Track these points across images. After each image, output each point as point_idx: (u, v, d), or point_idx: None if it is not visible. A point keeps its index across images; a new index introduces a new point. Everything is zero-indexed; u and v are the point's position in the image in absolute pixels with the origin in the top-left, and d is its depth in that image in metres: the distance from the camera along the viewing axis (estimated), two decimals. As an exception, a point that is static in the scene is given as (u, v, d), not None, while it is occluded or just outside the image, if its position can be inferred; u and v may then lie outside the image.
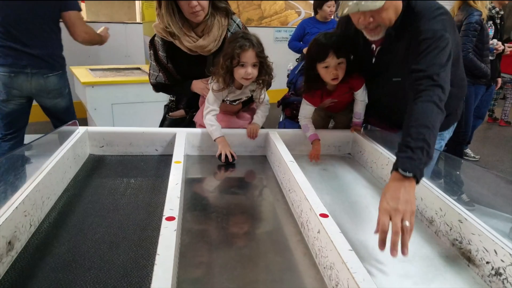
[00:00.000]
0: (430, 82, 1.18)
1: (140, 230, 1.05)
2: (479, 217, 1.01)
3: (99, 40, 2.62)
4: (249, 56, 1.47)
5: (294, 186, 1.18)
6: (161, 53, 1.70)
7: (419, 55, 1.25)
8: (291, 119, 3.12)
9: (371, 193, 1.35)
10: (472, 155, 4.00)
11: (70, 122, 1.48)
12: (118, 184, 1.32)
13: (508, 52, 3.41)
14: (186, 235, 1.03)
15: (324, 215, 0.96)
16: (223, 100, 1.65)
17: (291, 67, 3.47)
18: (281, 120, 3.23)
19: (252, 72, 1.50)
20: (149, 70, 1.78)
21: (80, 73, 3.25)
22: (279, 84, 4.01)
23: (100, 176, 1.38)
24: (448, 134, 1.70)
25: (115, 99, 2.98)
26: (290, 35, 5.94)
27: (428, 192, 1.14)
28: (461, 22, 2.93)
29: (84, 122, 3.95)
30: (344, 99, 1.66)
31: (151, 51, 1.74)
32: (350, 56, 1.53)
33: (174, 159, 1.28)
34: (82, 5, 7.32)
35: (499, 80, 3.65)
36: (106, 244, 0.99)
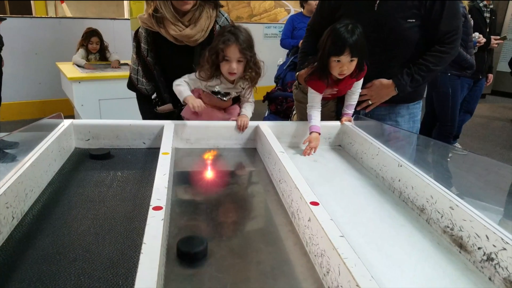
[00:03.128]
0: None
1: (127, 221, 1.03)
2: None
3: None
4: (232, 51, 1.46)
5: (285, 176, 1.16)
6: (143, 45, 1.68)
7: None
8: (275, 114, 3.11)
9: (362, 184, 1.34)
10: (460, 149, 4.03)
11: (54, 114, 1.44)
12: (104, 177, 1.29)
13: (496, 46, 3.43)
14: (174, 227, 1.01)
15: (314, 203, 0.95)
16: (215, 94, 1.62)
17: (281, 62, 3.45)
18: (266, 115, 3.22)
19: (237, 68, 1.49)
20: (131, 63, 1.76)
21: (67, 69, 3.20)
22: (268, 81, 4.00)
23: (86, 169, 1.35)
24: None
25: (102, 95, 2.95)
26: (279, 31, 5.94)
27: (419, 181, 1.13)
28: None
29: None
30: (346, 89, 1.67)
31: (134, 43, 1.72)
32: (366, 56, 1.54)
33: (161, 150, 1.25)
34: (63, 4, 7.22)
35: (490, 76, 3.66)
36: (91, 235, 0.96)
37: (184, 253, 0.87)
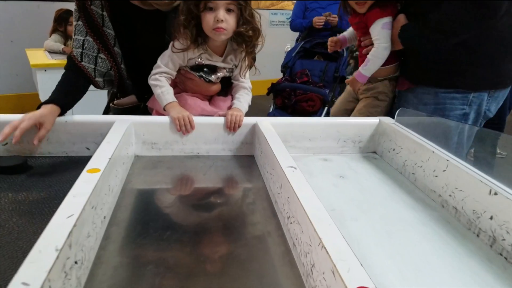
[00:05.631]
0: None
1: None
2: None
3: None
4: None
5: (298, 214, 0.66)
6: (95, 9, 1.17)
7: None
8: (282, 110, 2.61)
9: (421, 218, 0.83)
10: (498, 151, 3.48)
11: None
12: (3, 206, 0.79)
13: None
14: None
15: (364, 290, 0.45)
16: (197, 71, 1.14)
17: (289, 48, 2.94)
18: (270, 110, 2.71)
19: (226, 18, 1.00)
20: (73, 35, 1.24)
21: (34, 55, 2.70)
22: (274, 73, 3.48)
23: (-17, 191, 0.85)
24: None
25: (73, 86, 2.44)
26: (287, 18, 5.41)
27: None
28: None
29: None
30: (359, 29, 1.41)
31: (76, 8, 1.18)
32: None
33: (88, 165, 0.75)
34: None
35: None
36: None
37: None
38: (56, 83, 1.17)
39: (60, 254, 0.48)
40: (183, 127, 1.07)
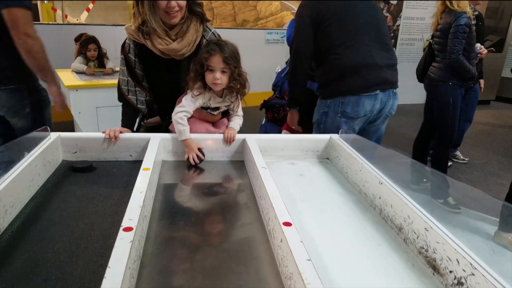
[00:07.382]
0: None
1: (103, 239, 1.03)
2: (463, 221, 1.00)
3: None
4: (216, 61, 1.48)
5: (263, 193, 1.17)
6: (131, 56, 1.69)
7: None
8: (273, 122, 3.11)
9: (344, 200, 1.34)
10: (461, 157, 3.99)
11: (41, 128, 1.46)
12: (87, 192, 1.30)
13: (483, 56, 3.40)
14: (149, 245, 1.02)
15: (287, 224, 0.95)
16: (205, 109, 1.63)
17: (279, 70, 3.45)
18: (263, 123, 3.22)
19: (221, 78, 1.50)
20: (119, 76, 1.77)
21: (65, 76, 3.22)
22: (268, 86, 4.00)
23: (70, 183, 1.36)
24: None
25: (99, 102, 2.96)
26: (281, 37, 5.93)
27: (397, 199, 1.13)
28: (450, 24, 2.93)
29: (71, 125, 3.93)
30: None
31: (122, 56, 1.72)
32: None
33: (143, 165, 1.26)
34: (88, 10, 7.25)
35: (482, 81, 3.65)
36: (66, 253, 0.97)
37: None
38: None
39: (141, 210, 0.98)
40: (192, 161, 1.53)
